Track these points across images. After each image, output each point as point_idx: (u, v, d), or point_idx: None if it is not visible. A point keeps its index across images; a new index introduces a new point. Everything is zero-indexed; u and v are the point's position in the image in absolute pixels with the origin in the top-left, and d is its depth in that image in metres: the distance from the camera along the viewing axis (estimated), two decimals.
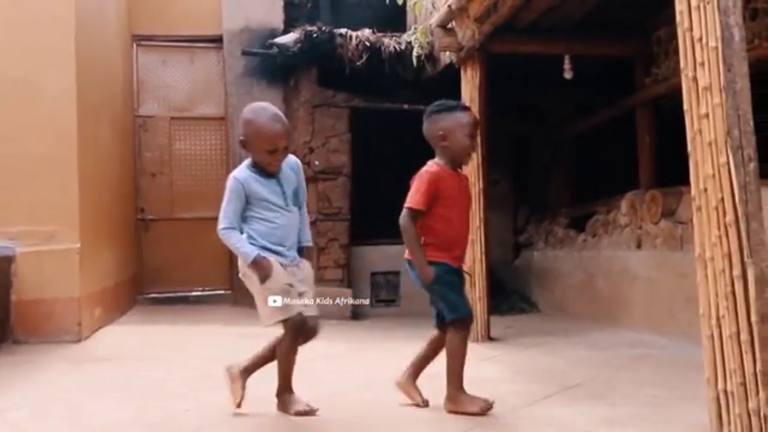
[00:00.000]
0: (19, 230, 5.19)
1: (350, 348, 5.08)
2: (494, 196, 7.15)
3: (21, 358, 4.62)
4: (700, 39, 2.53)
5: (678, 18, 2.64)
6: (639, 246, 5.72)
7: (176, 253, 8.39)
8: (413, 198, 3.16)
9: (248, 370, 3.18)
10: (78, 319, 5.27)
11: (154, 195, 8.56)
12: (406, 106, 7.45)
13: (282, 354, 3.09)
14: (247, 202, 3.04)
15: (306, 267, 3.18)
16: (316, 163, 7.50)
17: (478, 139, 4.38)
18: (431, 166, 3.25)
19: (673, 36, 2.80)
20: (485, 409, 3.07)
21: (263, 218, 3.05)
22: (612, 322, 5.88)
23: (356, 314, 7.04)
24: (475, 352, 4.91)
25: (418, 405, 3.25)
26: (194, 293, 8.47)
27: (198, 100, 8.77)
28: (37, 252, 5.22)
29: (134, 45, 8.55)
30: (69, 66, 5.36)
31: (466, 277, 3.59)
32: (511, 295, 7.66)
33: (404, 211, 3.16)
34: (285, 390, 3.11)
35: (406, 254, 3.23)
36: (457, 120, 3.25)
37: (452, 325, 3.14)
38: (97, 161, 6.16)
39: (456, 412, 3.10)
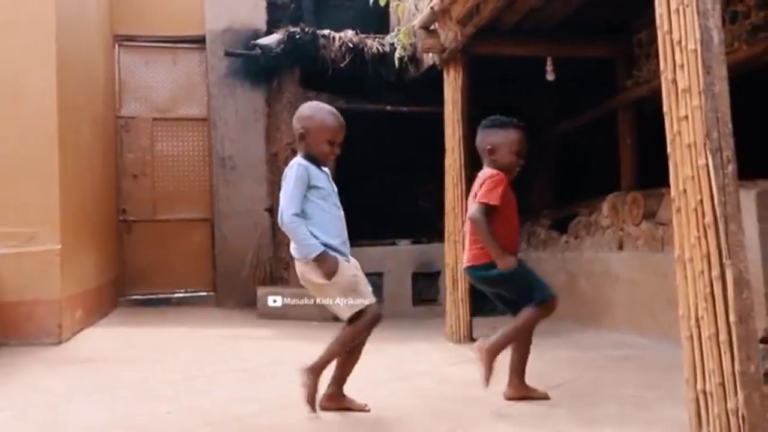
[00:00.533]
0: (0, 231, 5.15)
1: None
2: None
3: (1, 360, 4.58)
4: (680, 42, 2.55)
5: (658, 21, 2.66)
6: (621, 247, 5.73)
7: (159, 254, 8.35)
8: (489, 194, 3.27)
9: (338, 380, 3.21)
10: (59, 320, 5.23)
11: (137, 196, 8.51)
12: (389, 108, 7.47)
13: (348, 343, 3.11)
14: (307, 190, 3.07)
15: (355, 262, 3.22)
16: None
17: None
18: (493, 171, 3.38)
19: (654, 38, 2.82)
20: (542, 396, 3.30)
21: (323, 209, 3.08)
22: (594, 323, 5.88)
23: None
24: (458, 353, 4.95)
25: (546, 398, 3.35)
26: (177, 295, 8.42)
27: (180, 101, 8.73)
28: (18, 253, 5.18)
29: (116, 45, 8.50)
30: (50, 66, 5.33)
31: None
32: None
33: (479, 207, 3.28)
34: (341, 385, 3.16)
35: (465, 263, 3.41)
36: (507, 137, 3.42)
37: (538, 306, 3.30)
38: (78, 162, 6.12)
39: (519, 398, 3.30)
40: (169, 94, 8.61)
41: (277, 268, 7.86)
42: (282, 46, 7.26)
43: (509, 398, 3.34)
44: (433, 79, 5.90)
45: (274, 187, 8.05)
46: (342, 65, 7.13)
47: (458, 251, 5.42)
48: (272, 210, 8.07)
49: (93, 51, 7.12)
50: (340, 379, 3.13)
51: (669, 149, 2.61)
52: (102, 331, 6.07)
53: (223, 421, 3.04)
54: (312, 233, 3.02)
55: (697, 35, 2.47)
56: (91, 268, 6.53)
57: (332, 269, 3.00)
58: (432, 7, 5.30)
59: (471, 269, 3.41)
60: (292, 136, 7.51)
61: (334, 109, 3.24)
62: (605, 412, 3.12)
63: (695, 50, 2.48)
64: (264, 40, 7.55)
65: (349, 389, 3.25)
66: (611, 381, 3.83)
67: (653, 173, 5.16)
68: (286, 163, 7.96)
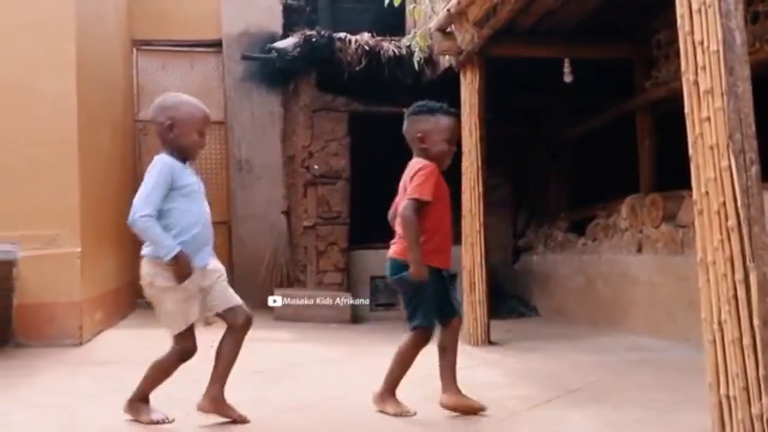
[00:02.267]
0: (20, 234, 5.18)
1: (350, 352, 5.08)
2: (494, 200, 7.16)
3: (22, 362, 4.62)
4: (702, 42, 2.52)
5: (679, 21, 2.64)
6: (640, 250, 5.72)
7: None
8: (420, 189, 3.07)
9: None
10: (79, 322, 5.27)
11: None
12: (405, 110, 7.45)
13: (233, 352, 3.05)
14: (169, 191, 2.89)
15: (216, 264, 3.09)
16: (316, 167, 7.51)
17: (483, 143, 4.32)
18: (424, 162, 3.18)
19: (674, 39, 2.81)
20: (404, 413, 3.10)
21: (183, 209, 2.91)
22: (612, 326, 5.88)
23: (356, 318, 7.04)
24: (475, 355, 4.93)
25: (482, 410, 3.16)
26: None
27: None
28: (39, 256, 5.22)
29: (134, 50, 8.57)
30: (69, 71, 5.37)
31: (452, 278, 3.47)
32: (510, 299, 7.67)
33: (409, 203, 3.07)
34: (142, 399, 3.07)
35: (391, 252, 3.18)
36: (438, 123, 3.22)
37: (414, 331, 3.13)
38: (97, 165, 6.18)
39: (382, 411, 3.14)
40: None
41: (294, 271, 7.89)
42: (298, 49, 7.29)
43: (445, 406, 3.17)
44: (450, 81, 5.91)
45: (291, 190, 8.08)
46: (358, 68, 7.14)
47: (475, 254, 5.42)
48: (289, 213, 8.10)
49: (112, 55, 7.19)
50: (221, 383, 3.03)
51: (691, 151, 2.59)
52: (121, 332, 6.11)
53: (240, 424, 3.02)
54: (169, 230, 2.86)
55: (720, 36, 2.44)
56: (111, 270, 6.58)
57: (186, 273, 2.83)
58: (448, 10, 5.30)
59: (394, 261, 3.18)
60: (308, 139, 7.58)
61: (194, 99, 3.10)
62: (627, 416, 3.09)
63: (717, 51, 2.45)
64: (280, 44, 7.58)
65: (366, 392, 3.24)
66: (631, 384, 3.80)
67: (672, 175, 5.15)
68: (303, 166, 8.01)
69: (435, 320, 3.16)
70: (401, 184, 3.25)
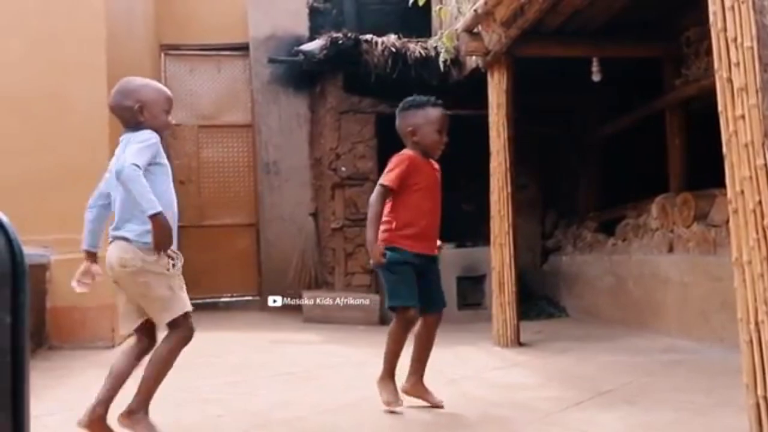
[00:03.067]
0: (52, 238, 5.25)
1: (379, 353, 5.08)
2: (522, 200, 7.12)
3: (56, 364, 4.69)
4: (735, 39, 2.52)
5: (711, 18, 2.63)
6: (671, 250, 5.68)
7: (205, 259, 8.45)
8: (387, 176, 3.27)
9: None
10: (111, 325, 5.32)
11: (183, 202, 8.51)
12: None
13: (171, 360, 2.82)
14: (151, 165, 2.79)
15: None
16: (343, 169, 7.53)
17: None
18: (406, 151, 3.37)
19: (704, 36, 2.80)
20: (389, 403, 3.18)
21: (165, 187, 2.85)
22: (643, 327, 5.82)
23: (384, 320, 7.04)
24: (505, 357, 4.94)
25: (437, 406, 3.28)
26: (223, 299, 8.54)
27: (225, 108, 8.86)
28: (71, 260, 5.24)
29: (162, 54, 8.66)
30: (100, 78, 5.43)
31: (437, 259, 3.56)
32: (540, 300, 7.64)
33: (377, 188, 3.28)
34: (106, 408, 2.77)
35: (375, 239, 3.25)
36: (427, 116, 3.38)
37: (395, 312, 3.26)
38: None
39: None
40: (214, 101, 8.75)
41: (322, 273, 7.91)
42: (325, 51, 7.32)
43: (405, 392, 3.30)
44: (477, 82, 5.90)
45: (319, 192, 8.11)
46: (385, 70, 7.15)
47: (504, 255, 5.40)
48: (316, 215, 8.12)
49: (140, 61, 7.27)
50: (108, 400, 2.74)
51: (725, 149, 2.58)
52: None
53: (272, 424, 3.07)
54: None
55: (753, 32, 2.45)
56: None
57: (168, 238, 2.70)
58: (476, 10, 5.29)
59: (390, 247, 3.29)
60: (335, 141, 7.60)
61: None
62: (660, 418, 3.08)
63: (751, 47, 2.45)
64: (307, 47, 7.61)
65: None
66: (665, 386, 3.78)
67: (702, 174, 5.10)
68: (330, 168, 8.02)
69: (416, 301, 3.25)
70: None
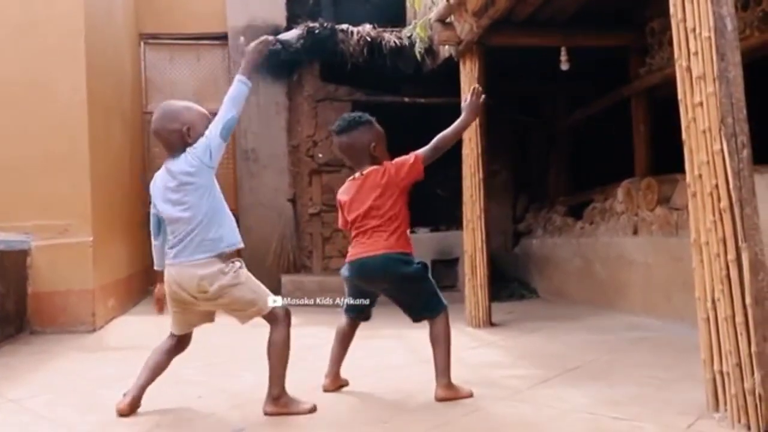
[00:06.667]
0: (33, 224, 5.30)
1: (359, 335, 5.18)
2: (494, 186, 7.28)
3: (38, 348, 4.70)
4: (694, 29, 2.56)
5: (672, 9, 2.68)
6: (635, 232, 5.79)
7: None
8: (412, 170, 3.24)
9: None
10: (92, 309, 5.36)
11: None
12: (407, 99, 7.58)
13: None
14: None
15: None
16: (320, 155, 7.65)
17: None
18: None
19: (667, 27, 2.87)
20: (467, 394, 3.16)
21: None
22: (610, 307, 5.96)
23: None
24: (478, 337, 5.00)
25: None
26: None
27: (204, 97, 8.82)
28: (52, 245, 5.31)
29: (141, 43, 8.65)
30: (79, 65, 5.46)
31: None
32: (511, 281, 7.76)
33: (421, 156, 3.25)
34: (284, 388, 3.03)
35: (380, 249, 3.20)
36: (380, 132, 3.34)
37: (442, 314, 3.27)
38: (108, 157, 6.28)
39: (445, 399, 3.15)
40: (194, 89, 8.75)
41: (300, 257, 8.03)
42: (302, 41, 7.39)
43: (326, 390, 3.34)
44: (450, 70, 5.98)
45: (297, 178, 8.20)
46: (360, 59, 7.25)
47: (476, 238, 5.53)
48: (294, 200, 8.22)
49: (120, 49, 7.28)
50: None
51: (684, 135, 2.63)
52: (133, 319, 6.18)
53: (251, 404, 3.07)
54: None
55: (711, 23, 2.48)
56: (122, 258, 6.69)
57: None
58: (448, 0, 5.36)
59: (389, 257, 3.24)
60: (312, 129, 7.70)
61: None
62: (624, 393, 3.12)
63: (709, 37, 2.49)
64: (284, 36, 7.67)
65: (371, 374, 3.35)
66: (629, 362, 3.85)
67: (666, 159, 5.25)
68: (308, 155, 8.09)
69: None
70: (352, 196, 3.29)
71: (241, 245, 3.05)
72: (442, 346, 3.20)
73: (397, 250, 3.18)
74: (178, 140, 2.95)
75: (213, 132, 2.93)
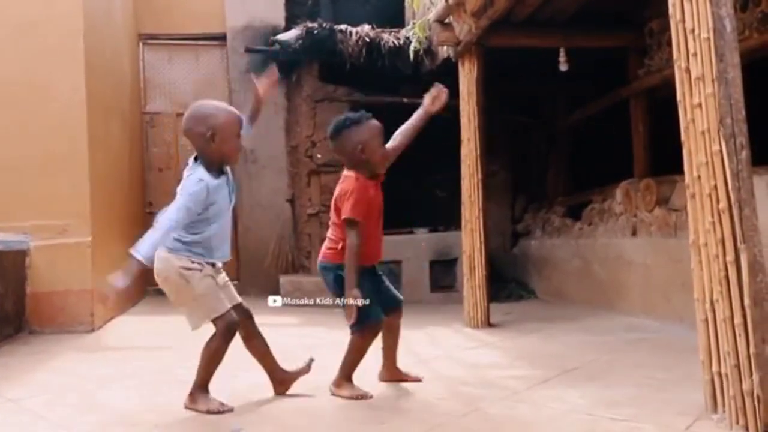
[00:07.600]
0: (32, 225, 5.29)
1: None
2: (493, 186, 7.27)
3: (36, 348, 4.70)
4: (693, 30, 2.56)
5: (671, 10, 2.68)
6: (634, 233, 5.79)
7: None
8: (354, 209, 3.15)
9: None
10: (91, 309, 5.35)
11: (162, 189, 8.65)
12: (405, 100, 7.55)
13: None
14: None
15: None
16: (319, 156, 7.64)
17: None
18: (351, 180, 3.23)
19: (666, 28, 2.86)
20: (357, 396, 3.17)
21: (210, 223, 3.01)
22: (608, 308, 5.95)
23: None
24: (476, 337, 5.01)
25: (417, 380, 3.43)
26: None
27: (203, 97, 8.69)
28: (51, 245, 5.31)
29: (140, 43, 8.66)
30: (78, 65, 5.46)
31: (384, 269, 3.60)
32: (509, 282, 7.76)
33: (350, 232, 3.16)
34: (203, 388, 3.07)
35: (324, 257, 3.32)
36: (371, 130, 3.23)
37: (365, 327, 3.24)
38: (107, 157, 6.28)
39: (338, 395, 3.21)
40: (192, 90, 8.75)
41: (298, 257, 8.03)
42: (300, 41, 7.39)
43: (383, 380, 3.40)
44: (449, 71, 5.95)
45: (295, 178, 8.20)
46: (359, 60, 7.25)
47: (474, 239, 5.52)
48: (293, 201, 8.22)
49: (119, 49, 7.28)
50: None
51: (683, 136, 2.63)
52: (132, 319, 6.20)
53: (248, 405, 3.10)
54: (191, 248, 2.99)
55: (710, 24, 2.48)
56: (121, 258, 6.66)
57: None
58: (447, 1, 5.36)
59: (325, 265, 3.36)
60: (311, 129, 7.70)
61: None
62: (623, 393, 3.13)
63: (708, 38, 2.49)
64: (283, 36, 7.68)
65: (366, 371, 3.33)
66: (627, 363, 3.85)
67: (665, 160, 5.24)
68: (306, 155, 8.06)
69: (381, 313, 3.25)
70: (333, 200, 3.32)
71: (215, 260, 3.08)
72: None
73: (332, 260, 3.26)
74: (202, 143, 2.95)
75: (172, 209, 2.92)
